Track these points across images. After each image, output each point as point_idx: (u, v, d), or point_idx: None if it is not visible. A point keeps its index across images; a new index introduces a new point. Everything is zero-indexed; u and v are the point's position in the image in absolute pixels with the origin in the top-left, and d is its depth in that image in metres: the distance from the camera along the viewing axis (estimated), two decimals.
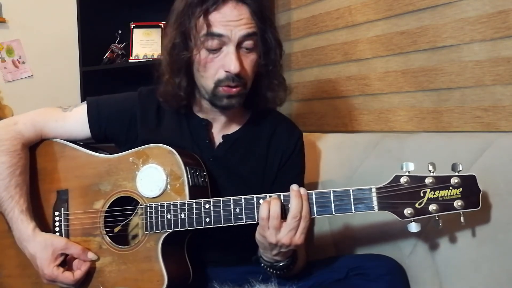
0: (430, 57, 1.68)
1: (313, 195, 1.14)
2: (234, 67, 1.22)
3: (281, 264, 1.22)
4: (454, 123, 1.61)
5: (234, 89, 1.26)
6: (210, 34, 1.22)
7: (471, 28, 1.54)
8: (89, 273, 1.29)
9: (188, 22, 1.25)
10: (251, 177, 1.38)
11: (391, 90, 1.83)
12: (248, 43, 1.25)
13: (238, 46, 1.24)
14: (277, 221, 1.12)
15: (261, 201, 1.16)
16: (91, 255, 1.28)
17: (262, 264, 1.25)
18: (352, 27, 1.97)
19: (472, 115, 1.56)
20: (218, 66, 1.25)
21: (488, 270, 1.20)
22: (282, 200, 1.14)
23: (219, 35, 1.22)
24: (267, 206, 1.13)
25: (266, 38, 1.29)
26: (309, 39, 2.21)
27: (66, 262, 1.29)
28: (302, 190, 1.14)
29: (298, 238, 1.13)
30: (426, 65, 1.69)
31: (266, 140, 1.40)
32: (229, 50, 1.23)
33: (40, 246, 1.26)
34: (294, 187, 1.15)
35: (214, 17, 1.22)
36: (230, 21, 1.22)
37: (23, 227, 1.27)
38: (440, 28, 1.64)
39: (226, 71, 1.24)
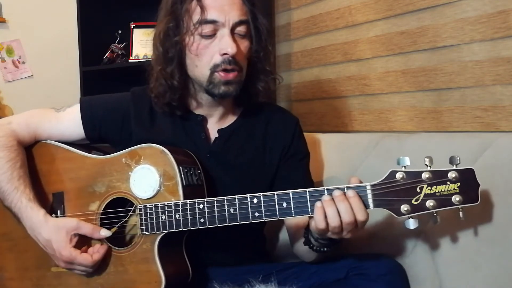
0: (430, 57, 1.68)
1: (307, 193, 1.12)
2: (231, 49, 1.22)
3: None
4: (454, 123, 1.61)
5: (231, 74, 1.25)
6: (205, 22, 1.23)
7: (471, 28, 1.54)
8: (88, 275, 1.28)
9: (180, 7, 1.25)
10: (250, 168, 1.37)
11: (391, 90, 1.83)
12: (241, 29, 1.26)
13: (232, 31, 1.24)
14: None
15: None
16: (104, 232, 1.26)
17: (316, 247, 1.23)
18: (352, 27, 1.97)
19: (472, 115, 1.56)
20: (213, 52, 1.25)
21: (488, 270, 1.20)
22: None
23: (214, 21, 1.23)
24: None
25: (257, 25, 1.29)
26: (309, 39, 2.21)
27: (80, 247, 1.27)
28: (318, 203, 1.10)
29: (347, 235, 1.11)
30: (426, 65, 1.69)
31: (262, 130, 1.40)
32: (224, 33, 1.23)
33: (53, 229, 1.25)
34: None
35: (207, 1, 1.23)
36: (224, 6, 1.23)
37: (34, 214, 1.26)
38: (440, 28, 1.64)
39: (223, 54, 1.23)
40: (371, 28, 1.89)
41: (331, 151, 1.68)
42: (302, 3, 2.24)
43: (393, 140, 1.54)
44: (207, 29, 1.23)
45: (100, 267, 1.27)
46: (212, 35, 1.24)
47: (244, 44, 1.27)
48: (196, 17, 1.23)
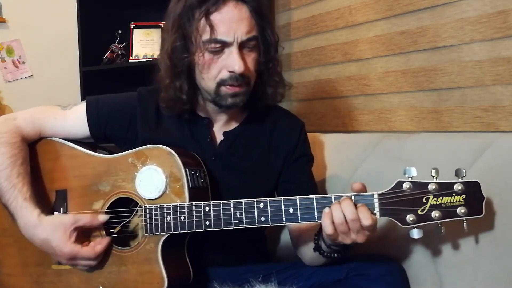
0: (430, 57, 1.68)
1: (314, 200, 1.13)
2: (238, 67, 1.23)
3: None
4: (454, 123, 1.61)
5: (238, 88, 1.26)
6: (214, 41, 1.23)
7: (471, 28, 1.54)
8: (89, 273, 1.28)
9: (188, 25, 1.24)
10: (255, 171, 1.38)
11: (391, 90, 1.83)
12: (250, 44, 1.26)
13: (241, 46, 1.25)
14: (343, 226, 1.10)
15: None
16: (102, 217, 1.26)
17: (326, 253, 1.23)
18: (352, 27, 1.97)
19: (472, 115, 1.56)
20: (221, 67, 1.25)
21: (488, 270, 1.20)
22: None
23: (223, 42, 1.23)
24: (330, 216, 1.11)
25: (266, 36, 1.30)
26: (309, 39, 2.21)
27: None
28: (326, 209, 1.11)
29: (356, 236, 1.11)
30: (426, 65, 1.69)
31: (268, 133, 1.40)
32: (232, 51, 1.23)
33: (49, 229, 1.24)
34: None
35: (216, 18, 1.22)
36: (232, 23, 1.23)
37: (28, 214, 1.25)
38: (440, 28, 1.64)
39: (230, 71, 1.24)
40: (371, 28, 1.89)
41: (331, 151, 1.69)
42: (302, 3, 2.24)
43: (393, 140, 1.54)
44: (216, 46, 1.23)
45: (102, 266, 1.27)
46: (220, 51, 1.24)
47: (252, 56, 1.28)
48: (205, 36, 1.23)
